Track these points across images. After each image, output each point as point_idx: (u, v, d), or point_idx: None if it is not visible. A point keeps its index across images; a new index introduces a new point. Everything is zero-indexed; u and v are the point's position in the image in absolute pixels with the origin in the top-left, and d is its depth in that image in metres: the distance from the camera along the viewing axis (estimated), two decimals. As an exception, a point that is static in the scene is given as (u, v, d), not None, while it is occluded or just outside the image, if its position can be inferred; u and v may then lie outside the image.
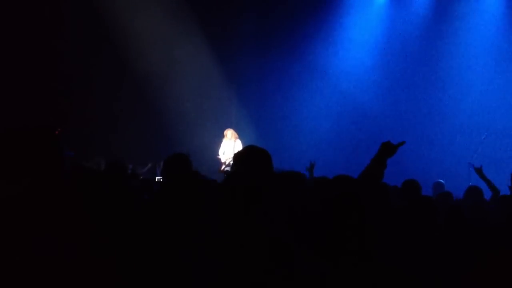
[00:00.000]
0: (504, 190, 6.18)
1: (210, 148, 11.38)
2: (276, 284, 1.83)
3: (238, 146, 10.65)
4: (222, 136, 11.07)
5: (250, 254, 1.30)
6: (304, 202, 3.00)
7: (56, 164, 2.17)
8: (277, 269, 1.83)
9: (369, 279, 2.33)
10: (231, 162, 10.22)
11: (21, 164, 2.07)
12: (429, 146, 11.65)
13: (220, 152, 10.94)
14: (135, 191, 4.88)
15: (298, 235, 2.14)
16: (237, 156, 2.91)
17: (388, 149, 3.22)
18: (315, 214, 2.29)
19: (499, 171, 7.83)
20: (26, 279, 1.94)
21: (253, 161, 2.79)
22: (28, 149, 2.09)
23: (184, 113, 12.29)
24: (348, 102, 12.60)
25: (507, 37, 11.75)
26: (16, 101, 10.02)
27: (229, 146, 10.82)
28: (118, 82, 11.63)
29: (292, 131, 12.83)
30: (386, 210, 3.49)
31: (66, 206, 2.16)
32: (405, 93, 12.35)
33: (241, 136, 11.08)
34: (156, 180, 8.08)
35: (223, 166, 10.57)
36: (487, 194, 6.12)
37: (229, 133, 10.94)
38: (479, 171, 6.44)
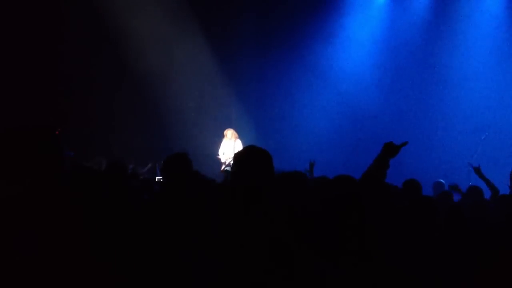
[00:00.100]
0: (504, 190, 6.18)
1: (210, 148, 11.38)
2: (276, 284, 1.83)
3: (238, 146, 10.65)
4: (222, 136, 11.07)
5: (250, 254, 1.30)
6: (305, 202, 3.00)
7: (56, 164, 2.16)
8: (277, 269, 1.82)
9: (369, 279, 2.33)
10: (231, 162, 10.23)
11: (21, 164, 2.07)
12: (430, 146, 11.65)
13: (220, 152, 10.94)
14: (136, 191, 4.89)
15: (298, 235, 2.13)
16: (237, 156, 2.91)
17: (390, 150, 3.22)
18: (315, 214, 2.29)
19: (500, 171, 7.82)
20: (26, 279, 1.94)
21: (253, 161, 2.78)
22: (28, 149, 2.09)
23: (184, 113, 12.30)
24: (348, 101, 12.60)
25: (507, 37, 11.74)
26: (16, 101, 10.02)
27: (229, 146, 10.81)
28: (118, 82, 11.63)
29: (292, 131, 12.83)
30: (387, 210, 3.48)
31: (66, 206, 2.16)
32: (404, 93, 12.34)
33: (241, 136, 11.08)
34: (156, 180, 8.09)
35: (223, 166, 10.57)
36: (487, 193, 6.12)
37: (229, 133, 10.93)
38: (477, 170, 6.45)
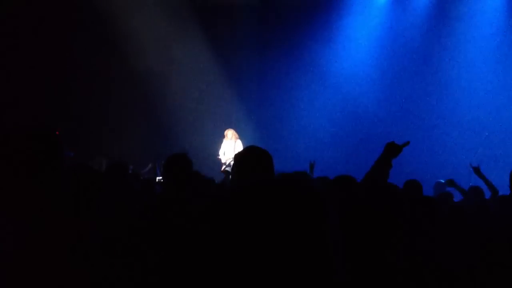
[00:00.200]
0: (504, 190, 6.17)
1: (210, 148, 11.38)
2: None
3: (238, 146, 10.65)
4: (222, 136, 11.06)
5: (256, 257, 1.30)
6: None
7: (56, 164, 2.16)
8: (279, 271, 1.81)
9: (369, 279, 2.33)
10: (232, 162, 10.24)
11: (21, 164, 2.06)
12: (430, 146, 11.64)
13: (221, 152, 10.93)
14: (136, 191, 4.88)
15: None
16: (238, 157, 2.91)
17: (393, 149, 3.22)
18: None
19: (500, 171, 7.82)
20: (26, 279, 1.93)
21: (254, 161, 2.78)
22: (28, 150, 2.09)
23: (184, 113, 12.30)
24: (348, 102, 12.60)
25: (507, 37, 11.74)
26: (16, 102, 10.00)
27: (230, 146, 10.81)
28: (118, 82, 11.63)
29: (292, 131, 12.84)
30: (391, 210, 3.47)
31: (67, 206, 2.15)
32: (405, 93, 12.34)
33: (241, 136, 11.07)
34: (157, 180, 8.09)
35: (224, 166, 10.57)
36: (487, 193, 6.12)
37: (230, 133, 10.93)
38: (477, 170, 6.46)
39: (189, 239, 2.72)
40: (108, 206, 3.17)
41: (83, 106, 11.29)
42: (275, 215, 1.23)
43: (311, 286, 1.21)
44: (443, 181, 7.21)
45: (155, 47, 11.91)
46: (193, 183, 3.75)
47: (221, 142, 11.07)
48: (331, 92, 12.76)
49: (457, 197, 6.53)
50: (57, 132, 2.31)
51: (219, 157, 10.90)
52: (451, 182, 6.44)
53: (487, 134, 10.61)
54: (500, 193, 5.98)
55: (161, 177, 7.77)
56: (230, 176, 7.15)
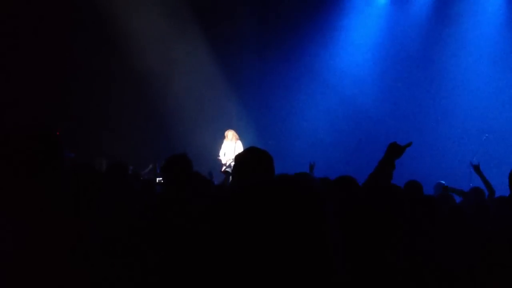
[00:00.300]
0: (504, 190, 6.17)
1: (210, 149, 11.37)
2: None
3: (238, 147, 10.64)
4: (222, 137, 11.06)
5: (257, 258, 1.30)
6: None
7: (56, 164, 2.16)
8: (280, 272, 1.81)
9: (369, 278, 2.33)
10: (232, 163, 10.23)
11: (21, 164, 2.06)
12: (430, 147, 11.64)
13: (221, 153, 10.93)
14: (137, 192, 4.88)
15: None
16: (238, 158, 2.91)
17: (396, 150, 3.23)
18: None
19: (500, 172, 7.82)
20: (26, 279, 1.93)
21: (254, 162, 2.78)
22: (28, 150, 2.09)
23: (184, 114, 12.29)
24: (348, 103, 12.61)
25: (507, 38, 11.75)
26: (16, 102, 10.01)
27: (230, 147, 10.80)
28: (119, 83, 11.63)
29: (292, 132, 12.84)
30: (395, 210, 3.48)
31: (67, 206, 2.15)
32: (405, 94, 12.34)
33: (241, 137, 11.07)
34: (157, 181, 8.08)
35: (224, 167, 10.56)
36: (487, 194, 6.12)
37: (230, 134, 10.92)
38: (477, 168, 6.48)
39: (189, 239, 2.72)
40: (108, 206, 3.17)
41: (83, 106, 11.30)
42: (275, 216, 1.23)
43: (311, 286, 1.21)
44: (443, 182, 7.22)
45: (155, 47, 11.91)
46: (193, 183, 3.75)
47: (221, 143, 11.06)
48: (331, 93, 12.77)
49: (457, 199, 6.54)
50: (57, 133, 2.31)
51: (220, 158, 10.89)
52: (446, 189, 6.46)
53: (487, 135, 10.61)
54: (500, 193, 5.98)
55: (161, 178, 7.76)
56: (230, 177, 7.16)
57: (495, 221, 4.49)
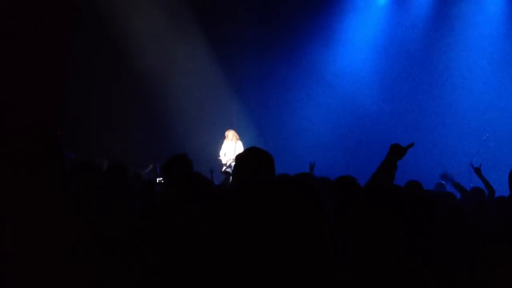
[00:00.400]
0: (504, 191, 6.17)
1: (211, 149, 11.37)
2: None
3: (239, 147, 10.64)
4: (223, 137, 11.06)
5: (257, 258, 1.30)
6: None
7: (56, 164, 2.16)
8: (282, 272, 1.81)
9: (369, 278, 2.33)
10: (232, 163, 10.22)
11: (21, 164, 2.06)
12: (430, 148, 11.64)
13: (221, 153, 10.92)
14: (136, 191, 4.88)
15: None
16: (239, 158, 2.91)
17: (397, 151, 3.24)
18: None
19: (501, 172, 7.81)
20: (26, 279, 1.93)
21: (255, 162, 2.78)
22: (28, 150, 2.09)
23: (185, 114, 12.29)
24: (348, 103, 12.61)
25: (507, 38, 11.74)
26: (16, 102, 10.01)
27: (230, 147, 10.80)
28: (119, 83, 11.63)
29: (292, 132, 12.84)
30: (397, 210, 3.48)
31: (67, 206, 2.15)
32: (405, 94, 12.34)
33: (241, 137, 11.07)
34: (157, 181, 8.07)
35: (224, 167, 10.56)
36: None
37: (230, 134, 10.91)
38: (477, 170, 6.48)
39: (189, 239, 2.72)
40: (108, 206, 3.17)
41: (83, 106, 11.29)
42: (275, 216, 1.23)
43: (311, 286, 1.21)
44: (443, 182, 7.21)
45: (155, 47, 11.91)
46: (193, 183, 3.75)
47: (221, 143, 11.06)
48: (331, 93, 12.77)
49: (450, 187, 6.56)
50: (57, 133, 2.31)
51: (220, 158, 10.89)
52: (444, 177, 6.46)
53: (487, 135, 10.60)
54: (500, 194, 5.98)
55: (161, 178, 7.75)
56: (231, 177, 7.16)
57: (495, 221, 4.49)
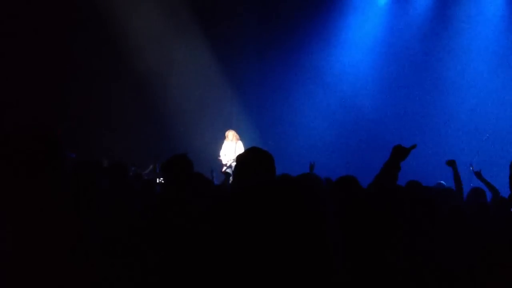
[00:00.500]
0: (505, 190, 6.17)
1: (211, 149, 11.37)
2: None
3: (239, 147, 10.64)
4: (223, 137, 11.05)
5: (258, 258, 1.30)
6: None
7: (56, 164, 2.16)
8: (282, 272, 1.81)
9: (369, 279, 2.33)
10: (232, 163, 10.22)
11: (21, 164, 2.06)
12: (430, 148, 11.63)
13: (221, 153, 10.92)
14: (136, 191, 4.88)
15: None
16: (240, 158, 2.92)
17: (400, 152, 3.24)
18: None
19: (501, 172, 7.82)
20: (26, 279, 1.93)
21: (256, 162, 2.79)
22: (28, 150, 2.09)
23: (185, 114, 12.29)
24: (348, 103, 12.61)
25: (507, 39, 11.74)
26: (16, 102, 10.00)
27: (230, 147, 10.80)
28: (119, 83, 11.62)
29: (292, 132, 12.83)
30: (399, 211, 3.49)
31: (67, 206, 2.15)
32: (405, 94, 12.33)
33: (242, 137, 11.06)
34: (157, 181, 8.08)
35: (224, 167, 10.55)
36: (489, 195, 6.12)
37: (231, 134, 10.91)
38: (478, 174, 6.48)
39: (189, 239, 2.72)
40: (108, 206, 3.17)
41: (83, 106, 11.28)
42: (275, 216, 1.23)
43: (311, 286, 1.21)
44: (443, 182, 7.21)
45: (155, 47, 11.91)
46: (193, 183, 3.75)
47: (221, 143, 11.05)
48: (331, 93, 12.77)
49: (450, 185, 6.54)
50: (58, 133, 2.31)
51: (220, 158, 10.89)
52: (452, 163, 6.40)
53: (488, 135, 10.61)
54: (501, 193, 5.98)
55: (161, 178, 7.75)
56: (231, 177, 7.15)
57: (495, 221, 4.49)
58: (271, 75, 13.00)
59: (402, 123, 11.91)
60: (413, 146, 3.31)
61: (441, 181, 7.30)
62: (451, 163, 6.32)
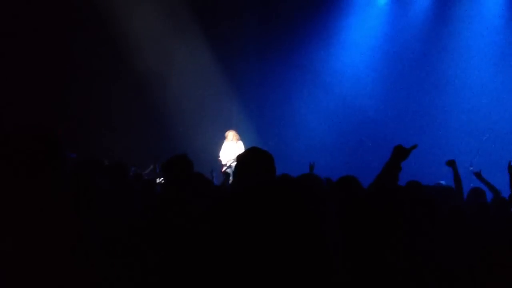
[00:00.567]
0: (505, 190, 6.17)
1: (211, 150, 11.37)
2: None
3: (239, 147, 10.64)
4: (223, 137, 11.05)
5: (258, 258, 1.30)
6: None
7: (56, 164, 2.16)
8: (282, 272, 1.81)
9: (369, 278, 2.33)
10: (232, 164, 10.22)
11: (21, 164, 2.06)
12: (430, 148, 11.62)
13: (221, 153, 10.92)
14: (137, 191, 4.88)
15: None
16: (240, 158, 2.92)
17: (401, 153, 3.24)
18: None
19: (501, 172, 7.82)
20: (26, 279, 1.93)
21: (256, 162, 2.79)
22: (28, 150, 2.09)
23: (185, 114, 12.29)
24: (348, 104, 12.60)
25: (507, 39, 11.74)
26: (16, 102, 10.00)
27: (231, 148, 10.80)
28: (119, 83, 11.62)
29: (292, 132, 12.84)
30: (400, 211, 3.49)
31: (67, 206, 2.15)
32: (405, 95, 12.33)
33: (242, 137, 11.06)
34: (158, 181, 8.07)
35: (224, 168, 10.56)
36: (489, 196, 6.12)
37: (231, 135, 10.91)
38: (478, 175, 6.48)
39: (189, 239, 2.72)
40: (108, 206, 3.17)
41: (83, 106, 11.28)
42: (276, 216, 1.23)
43: (311, 286, 1.21)
44: (443, 182, 7.20)
45: (155, 47, 11.90)
46: (193, 183, 3.75)
47: (221, 143, 11.05)
48: (331, 93, 12.77)
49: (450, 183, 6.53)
50: (58, 133, 2.31)
51: (220, 158, 10.89)
52: (452, 163, 6.41)
53: (487, 135, 10.60)
54: (502, 194, 5.99)
55: (162, 178, 7.75)
56: (231, 177, 7.16)
57: (495, 221, 4.49)
58: (271, 75, 13.00)
59: (402, 123, 11.90)
60: (414, 146, 3.31)
61: (441, 181, 7.29)
62: (451, 163, 6.32)
